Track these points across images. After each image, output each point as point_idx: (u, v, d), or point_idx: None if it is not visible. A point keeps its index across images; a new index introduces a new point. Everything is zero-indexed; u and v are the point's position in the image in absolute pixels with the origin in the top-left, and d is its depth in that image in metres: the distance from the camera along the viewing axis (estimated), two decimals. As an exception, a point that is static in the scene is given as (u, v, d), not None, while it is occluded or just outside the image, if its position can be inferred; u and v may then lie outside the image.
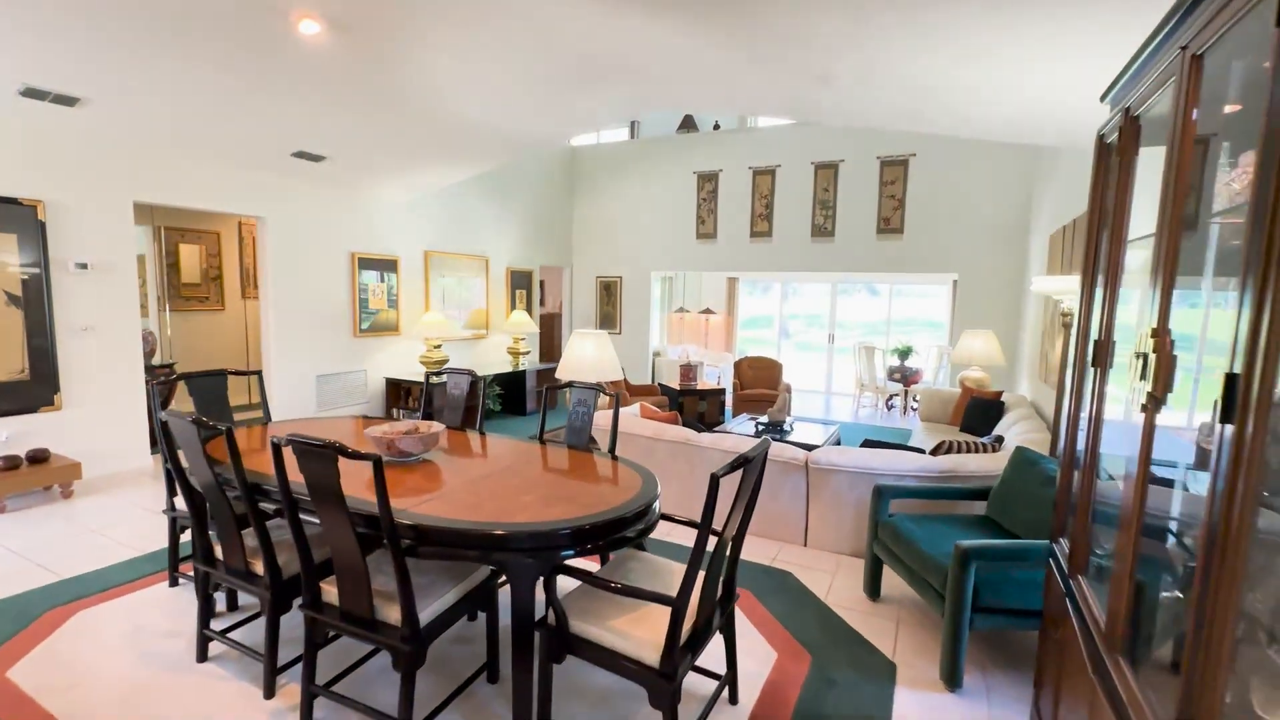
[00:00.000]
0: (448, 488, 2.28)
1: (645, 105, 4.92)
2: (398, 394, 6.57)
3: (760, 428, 5.52)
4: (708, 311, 10.74)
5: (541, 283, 12.83)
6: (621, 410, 4.23)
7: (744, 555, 3.37)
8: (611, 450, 2.90)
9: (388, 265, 6.51)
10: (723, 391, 7.21)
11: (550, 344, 12.08)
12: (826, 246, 7.89)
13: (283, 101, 4.13)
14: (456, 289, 7.50)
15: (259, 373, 3.50)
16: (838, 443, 5.77)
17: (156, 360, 5.46)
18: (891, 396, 8.73)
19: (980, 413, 5.20)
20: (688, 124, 9.68)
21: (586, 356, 4.34)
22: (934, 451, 3.67)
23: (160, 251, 6.40)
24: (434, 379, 6.50)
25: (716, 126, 9.08)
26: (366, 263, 6.29)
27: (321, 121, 4.55)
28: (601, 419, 4.00)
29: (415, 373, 6.80)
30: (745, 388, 7.71)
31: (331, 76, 3.77)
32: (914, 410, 8.68)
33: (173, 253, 6.52)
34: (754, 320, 12.08)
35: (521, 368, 7.78)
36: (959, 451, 3.64)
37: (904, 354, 8.66)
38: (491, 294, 8.06)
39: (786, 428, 5.51)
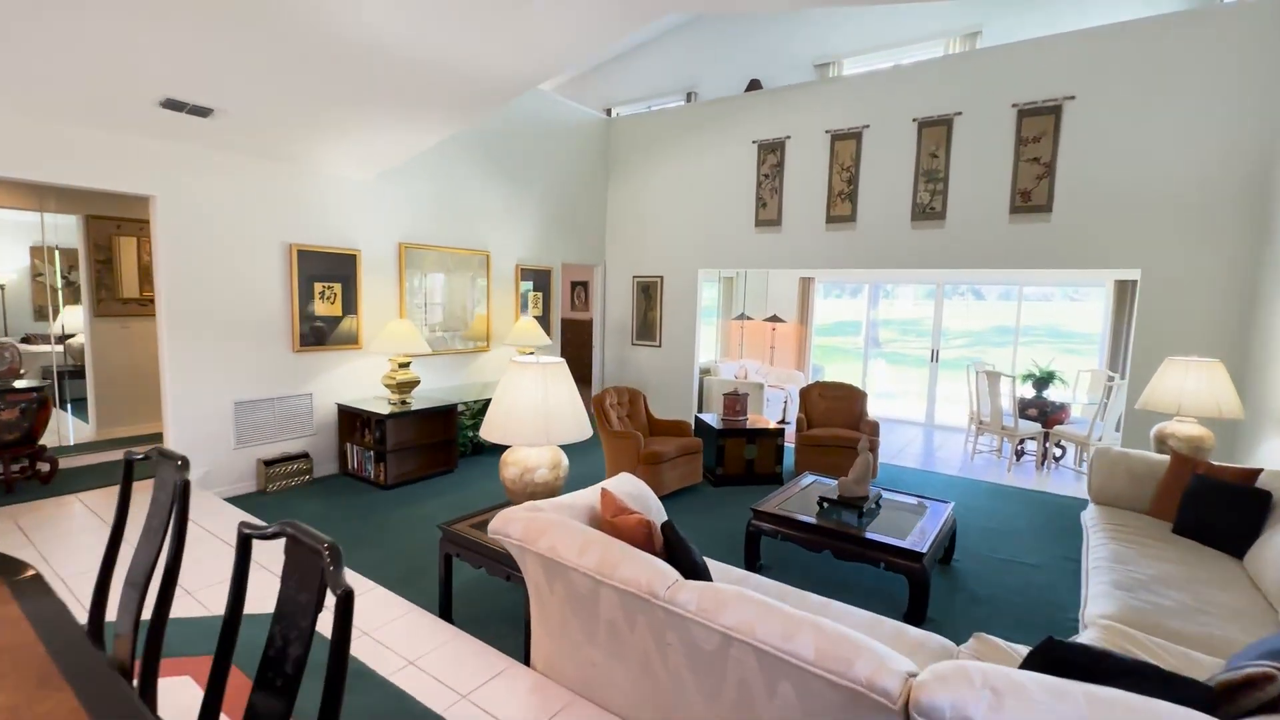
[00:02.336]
0: None
1: (641, 11, 3.15)
2: (353, 425, 5.16)
3: (824, 506, 3.58)
4: (774, 319, 8.77)
5: (585, 284, 11.33)
6: (564, 501, 2.51)
7: None
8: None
9: (343, 261, 5.11)
10: (780, 432, 5.28)
11: (589, 362, 10.52)
12: (934, 234, 5.75)
13: (124, 21, 2.73)
14: (446, 292, 6.04)
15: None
16: (950, 542, 3.76)
17: (25, 383, 4.31)
18: (1023, 441, 6.38)
19: (1221, 505, 3.01)
20: (754, 89, 7.77)
21: (525, 404, 2.65)
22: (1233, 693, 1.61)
23: (89, 246, 5.34)
24: (399, 405, 5.03)
25: (785, 84, 7.09)
26: (312, 258, 4.91)
27: (193, 55, 3.14)
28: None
29: (381, 395, 5.38)
30: (814, 424, 5.72)
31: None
32: (1057, 461, 6.30)
33: (105, 247, 5.45)
34: (830, 327, 9.93)
35: (525, 390, 6.20)
36: None
37: (1042, 381, 6.31)
38: (497, 298, 6.55)
39: (868, 510, 3.54)
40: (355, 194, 5.19)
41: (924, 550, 3.02)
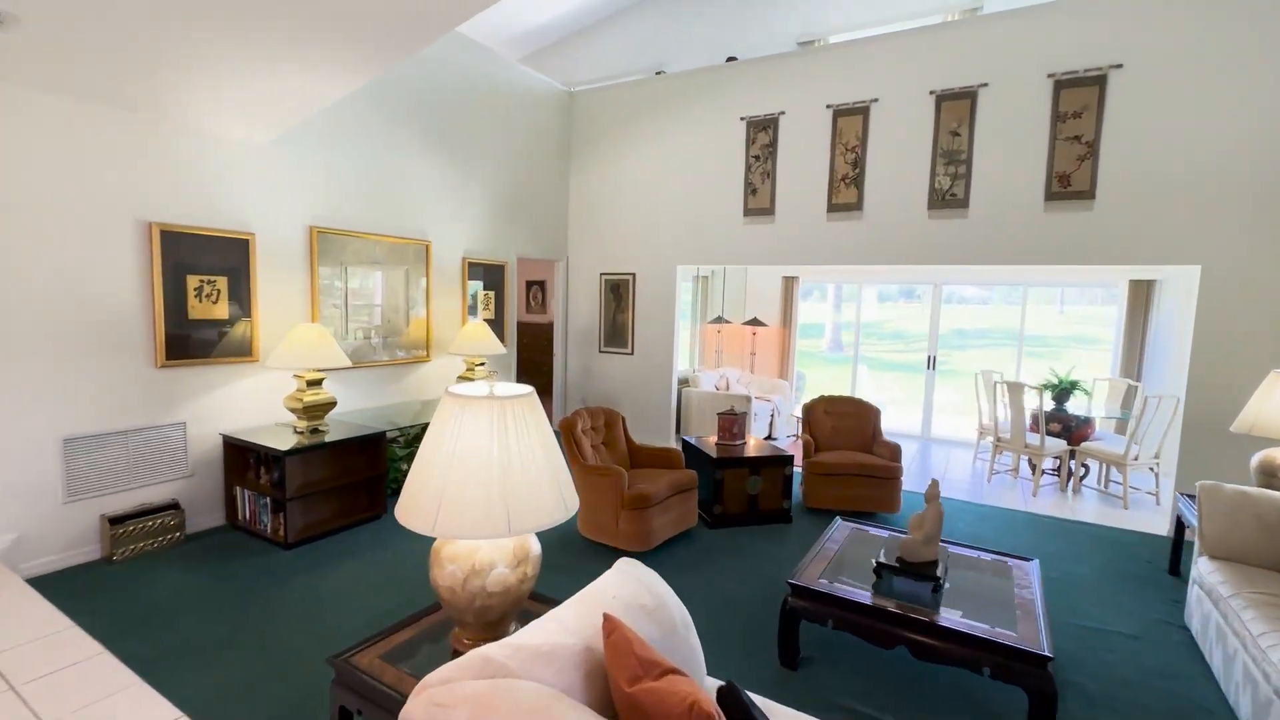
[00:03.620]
0: None
1: None
2: (244, 462, 3.95)
3: (882, 575, 2.66)
4: (755, 323, 7.92)
5: (542, 283, 10.24)
6: (541, 645, 1.45)
7: None
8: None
9: (229, 248, 3.90)
10: (788, 460, 4.36)
11: (547, 371, 9.44)
12: (955, 224, 4.97)
13: None
14: (375, 290, 4.87)
15: None
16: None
17: None
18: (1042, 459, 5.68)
19: None
20: (732, 60, 6.89)
21: (471, 471, 1.61)
22: None
23: None
24: (308, 435, 3.86)
25: (775, 55, 6.22)
26: (184, 242, 3.70)
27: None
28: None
29: (286, 422, 4.18)
30: (823, 447, 4.84)
31: None
32: (1080, 481, 5.64)
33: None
34: (803, 329, 9.19)
35: (474, 409, 5.09)
36: None
37: (1064, 393, 5.64)
38: (440, 297, 5.41)
39: (944, 583, 2.63)
40: (247, 161, 3.99)
41: (1048, 652, 2.13)
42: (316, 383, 4.03)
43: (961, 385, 8.70)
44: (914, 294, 11.77)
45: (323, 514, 3.98)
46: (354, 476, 4.09)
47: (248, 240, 3.99)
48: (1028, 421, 5.32)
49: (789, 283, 8.07)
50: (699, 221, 6.12)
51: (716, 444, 4.58)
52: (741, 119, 5.81)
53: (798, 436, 7.12)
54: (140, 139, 3.49)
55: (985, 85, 4.78)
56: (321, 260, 4.44)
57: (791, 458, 4.37)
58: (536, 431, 1.65)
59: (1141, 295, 6.12)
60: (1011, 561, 2.90)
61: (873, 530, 3.21)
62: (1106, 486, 5.46)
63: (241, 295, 3.98)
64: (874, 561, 2.70)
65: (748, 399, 6.43)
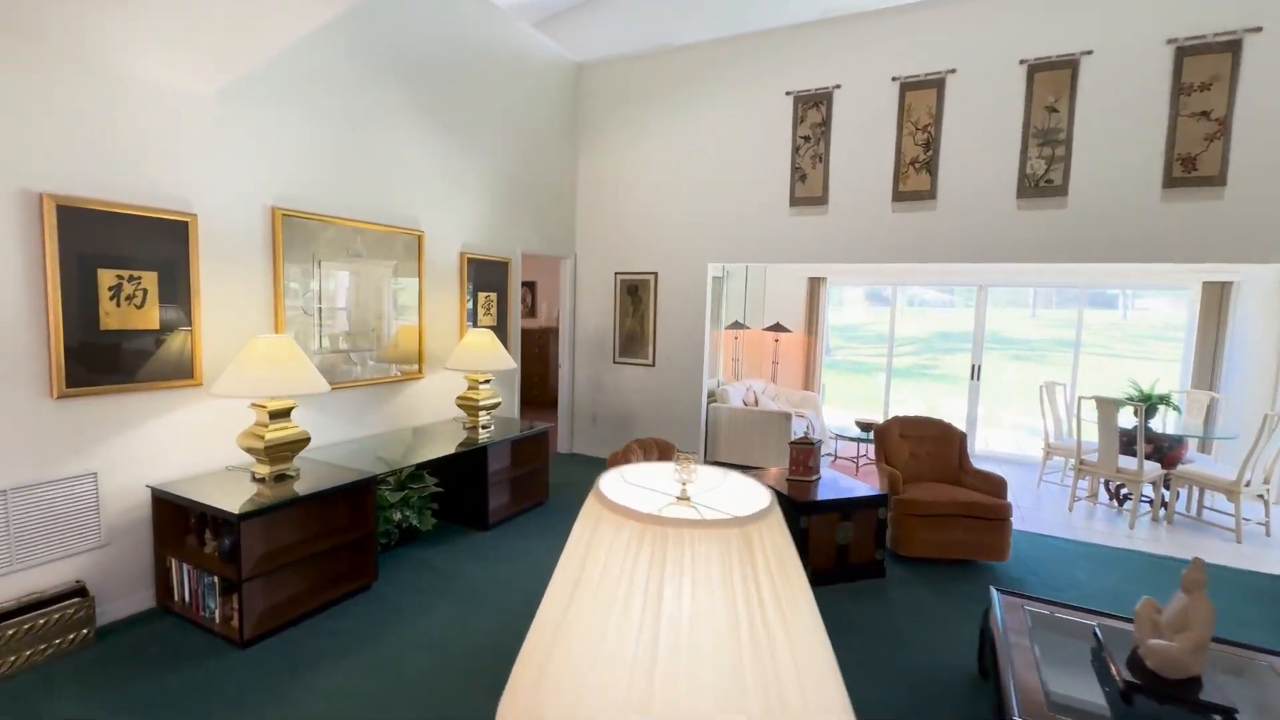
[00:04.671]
0: None
1: None
2: (181, 525, 2.92)
3: (1134, 699, 1.85)
4: (778, 328, 7.13)
5: (533, 284, 9.26)
6: None
7: None
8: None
9: (161, 233, 2.87)
10: (883, 501, 3.55)
11: (538, 383, 8.47)
12: (1051, 216, 4.26)
13: None
14: (355, 290, 3.87)
15: None
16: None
17: None
18: (1119, 488, 5.01)
19: None
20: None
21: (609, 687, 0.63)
22: None
23: None
24: (272, 485, 2.87)
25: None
26: (94, 223, 2.66)
27: None
28: None
29: (240, 465, 3.16)
30: (913, 477, 4.06)
31: None
32: (1164, 507, 5.00)
33: None
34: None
35: (481, 439, 4.13)
36: None
37: (1148, 404, 4.99)
38: (434, 299, 4.43)
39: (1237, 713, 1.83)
40: (187, 118, 2.96)
41: None
42: (283, 413, 3.03)
43: (988, 394, 8.09)
44: (907, 301, 11.24)
45: (293, 591, 2.98)
46: (335, 537, 3.10)
47: (187, 223, 2.96)
48: (1108, 435, 4.64)
49: (815, 285, 7.32)
50: (735, 213, 5.29)
51: (788, 480, 3.74)
52: (788, 94, 5.01)
53: (836, 457, 6.35)
54: (30, 77, 2.45)
55: (1089, 53, 4.09)
56: (288, 252, 3.43)
57: (886, 498, 3.56)
58: (803, 594, 0.75)
59: (1215, 298, 5.56)
60: (1271, 658, 2.13)
61: (1061, 614, 2.40)
62: (1200, 515, 4.83)
63: (178, 297, 2.95)
64: (1117, 679, 1.89)
65: (786, 415, 5.63)
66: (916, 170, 4.60)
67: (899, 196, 4.67)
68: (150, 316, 2.86)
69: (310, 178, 3.54)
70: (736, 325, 7.33)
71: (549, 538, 3.99)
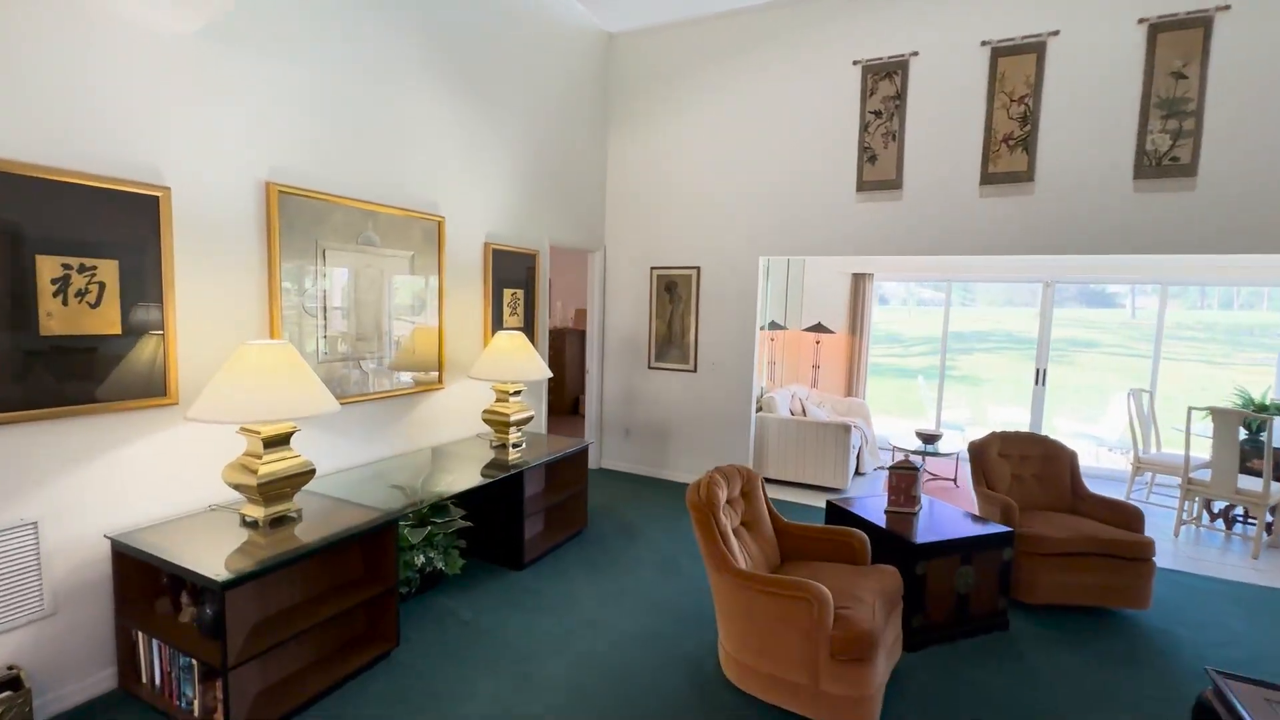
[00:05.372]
0: None
1: None
2: (151, 586, 2.28)
3: None
4: (819, 329, 6.54)
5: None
6: None
7: None
8: None
9: (124, 210, 2.23)
10: (1009, 538, 2.94)
11: (554, 388, 7.84)
12: (1177, 200, 3.68)
13: None
14: (362, 285, 3.23)
15: None
16: None
17: None
18: (1228, 510, 4.44)
19: None
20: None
21: None
22: None
23: None
24: (267, 533, 2.23)
25: None
26: (26, 192, 2.01)
27: None
28: None
29: (226, 504, 2.52)
30: (1029, 505, 3.45)
31: None
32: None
33: None
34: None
35: (513, 460, 3.50)
36: None
37: (1266, 415, 4.42)
38: (455, 295, 3.80)
39: None
40: (157, 63, 2.32)
41: None
42: (281, 440, 2.39)
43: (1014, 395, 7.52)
44: (916, 301, 10.72)
45: (295, 666, 2.35)
46: (347, 595, 2.46)
47: (157, 198, 2.32)
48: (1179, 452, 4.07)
49: (859, 281, 6.73)
50: (792, 200, 4.68)
51: (887, 512, 3.14)
52: (855, 63, 4.40)
53: (889, 468, 5.73)
54: (-71, -12, 1.80)
55: (1226, 7, 3.50)
56: (286, 238, 2.79)
57: (1011, 535, 2.95)
58: None
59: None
60: None
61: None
62: (1323, 540, 4.26)
63: (146, 292, 2.31)
64: None
65: (845, 428, 5.02)
66: (1010, 148, 4.01)
67: (988, 179, 4.07)
68: (108, 317, 2.22)
69: (314, 148, 2.90)
70: (774, 326, 6.73)
71: (595, 578, 3.37)
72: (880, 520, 3.06)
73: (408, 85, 3.38)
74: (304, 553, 2.17)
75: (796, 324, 7.03)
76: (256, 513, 2.35)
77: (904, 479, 3.13)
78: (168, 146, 2.36)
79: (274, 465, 2.34)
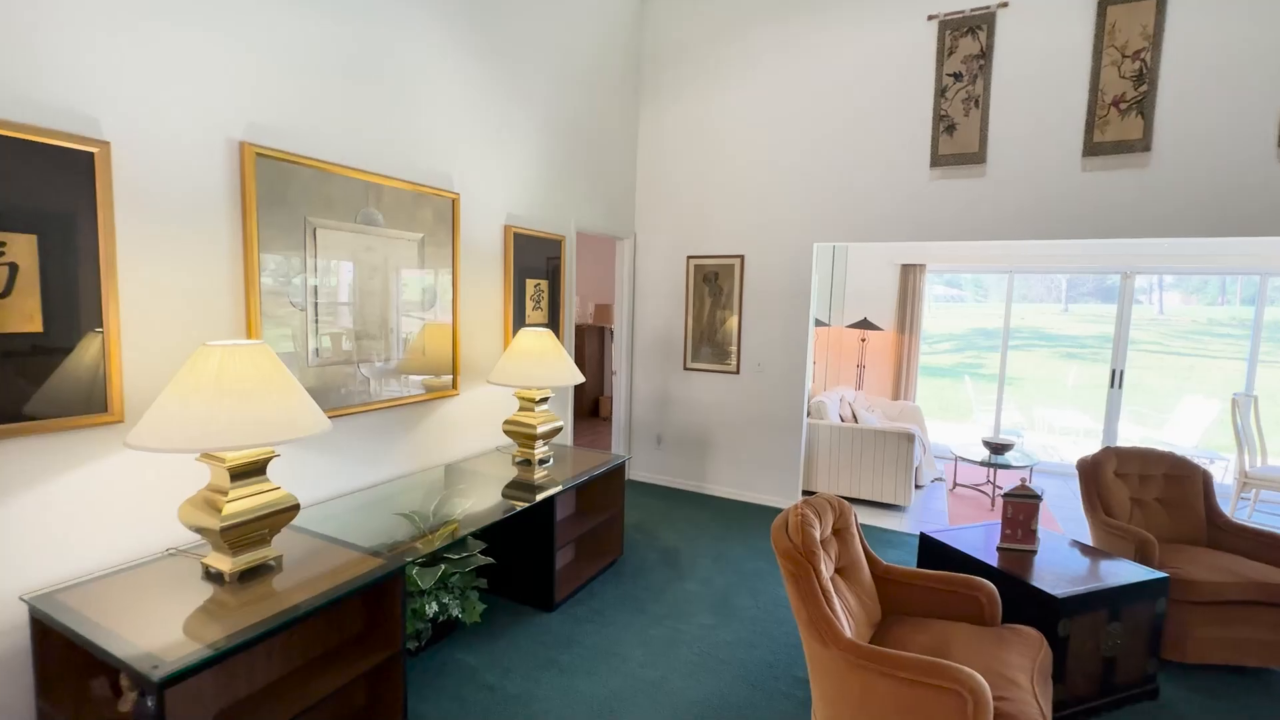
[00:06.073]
0: None
1: None
2: (82, 665, 1.74)
3: None
4: (865, 325, 5.97)
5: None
6: None
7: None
8: None
9: (45, 168, 1.70)
10: (1162, 587, 2.36)
11: (575, 389, 7.33)
12: (1336, 169, 3.07)
13: None
14: (364, 274, 2.69)
15: None
16: None
17: None
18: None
19: None
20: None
21: None
22: None
23: None
24: (236, 589, 1.68)
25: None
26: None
27: None
28: None
29: (186, 546, 1.99)
30: (1158, 537, 2.87)
31: None
32: None
33: None
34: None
35: (539, 480, 2.95)
36: None
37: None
38: (472, 285, 3.25)
39: None
40: (90, -22, 1.78)
41: None
42: (253, 470, 1.85)
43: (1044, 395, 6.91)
44: (933, 297, 10.11)
45: (271, 765, 1.81)
46: (342, 665, 1.93)
47: (92, 155, 1.78)
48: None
49: (909, 273, 6.14)
50: (853, 178, 4.10)
51: (1001, 549, 2.57)
52: (930, 18, 3.81)
53: (957, 484, 5.15)
54: None
55: (1404, -64, 2.89)
56: (266, 213, 2.25)
57: (1166, 581, 2.38)
58: None
59: None
60: None
61: None
62: None
63: (79, 277, 1.78)
64: None
65: (908, 436, 4.44)
66: (1121, 112, 3.41)
67: (1093, 149, 3.48)
68: (23, 309, 1.68)
69: (302, 103, 2.36)
70: (816, 323, 6.16)
71: (638, 622, 2.83)
72: (990, 558, 2.50)
73: (415, 31, 2.83)
74: (277, 626, 1.63)
75: (839, 320, 6.45)
76: (222, 563, 1.81)
77: (1023, 509, 2.55)
78: (111, 88, 1.82)
79: (244, 502, 1.80)
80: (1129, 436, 6.45)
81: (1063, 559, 2.51)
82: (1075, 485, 5.40)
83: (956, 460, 5.05)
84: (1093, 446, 5.96)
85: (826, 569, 2.02)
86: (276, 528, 1.92)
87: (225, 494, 1.78)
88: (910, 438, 4.43)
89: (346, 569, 1.92)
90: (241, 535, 1.80)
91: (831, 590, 1.94)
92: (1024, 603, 2.27)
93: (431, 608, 2.39)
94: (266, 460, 1.88)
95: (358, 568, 1.93)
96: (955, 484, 5.12)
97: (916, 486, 5.06)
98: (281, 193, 2.31)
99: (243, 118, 2.17)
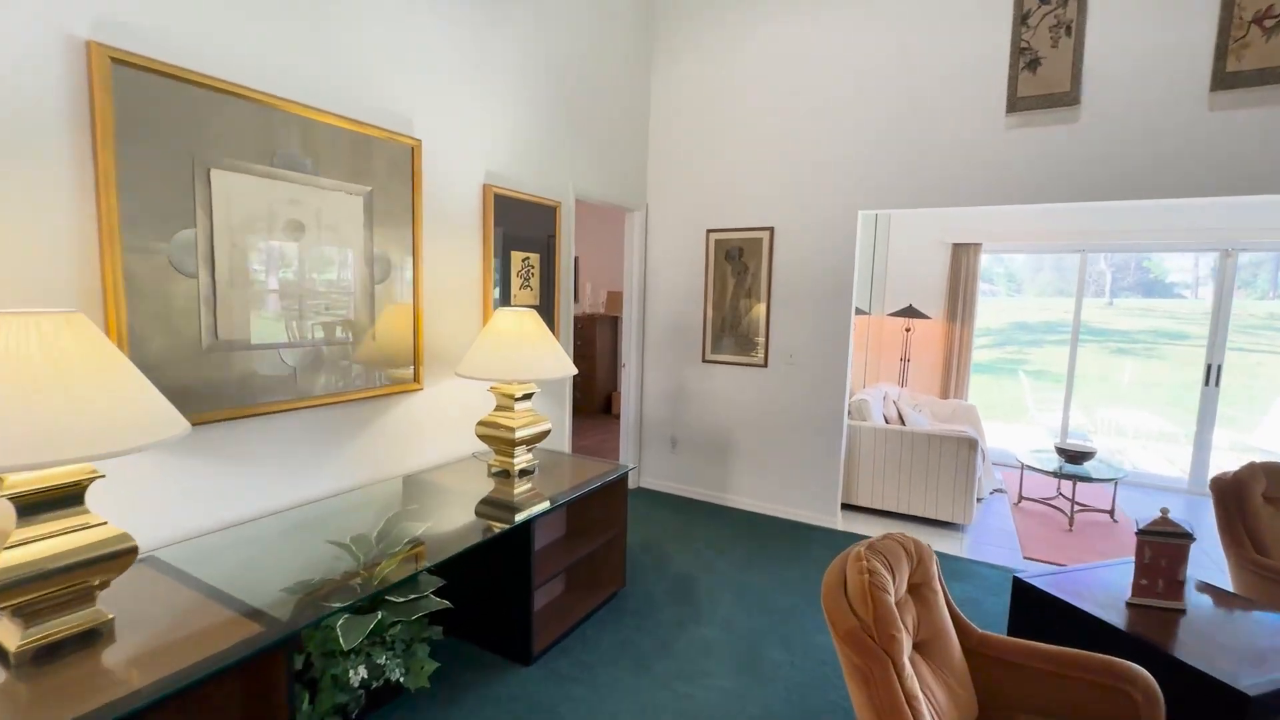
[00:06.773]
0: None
1: None
2: None
3: None
4: (911, 313, 5.25)
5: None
6: None
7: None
8: None
9: None
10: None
11: (581, 385, 6.75)
12: None
13: None
14: (300, 237, 2.09)
15: None
16: None
17: None
18: None
19: None
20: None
21: None
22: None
23: None
24: (17, 672, 1.05)
25: None
26: None
27: None
28: None
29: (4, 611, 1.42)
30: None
31: None
32: None
33: None
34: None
35: (519, 496, 2.33)
36: None
37: None
38: (439, 256, 2.65)
39: None
40: None
41: None
42: (57, 500, 1.26)
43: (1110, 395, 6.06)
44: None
45: None
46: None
47: None
48: None
49: (961, 254, 5.38)
50: (907, 132, 3.39)
51: (1132, 605, 1.88)
52: (1009, -73, 3.08)
53: (1022, 498, 4.40)
54: None
55: None
56: (131, 142, 1.65)
57: (1389, 665, 1.66)
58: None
59: None
60: None
61: None
62: None
63: None
64: None
65: (972, 443, 3.73)
66: (1265, 33, 2.65)
67: (1225, 82, 2.73)
68: None
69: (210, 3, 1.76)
70: (856, 310, 5.43)
71: (643, 684, 2.20)
72: (1116, 618, 1.82)
73: (359, -70, 2.22)
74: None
75: (879, 308, 5.73)
76: (8, 639, 1.23)
77: (1166, 552, 1.86)
78: None
79: (36, 547, 1.22)
80: (1218, 443, 5.61)
81: (1228, 624, 1.82)
82: (1156, 500, 4.63)
83: (1023, 469, 4.32)
84: (1178, 453, 5.16)
85: (905, 648, 1.36)
86: (109, 576, 1.33)
87: (5, 540, 1.19)
88: (972, 443, 3.72)
89: (212, 635, 1.32)
90: (34, 596, 1.21)
91: (917, 690, 1.28)
92: (1185, 694, 1.58)
93: (357, 675, 1.79)
94: (81, 484, 1.29)
95: (229, 634, 1.34)
96: (1020, 497, 4.38)
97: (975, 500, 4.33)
98: (163, 118, 1.71)
99: (90, 8, 1.58)
